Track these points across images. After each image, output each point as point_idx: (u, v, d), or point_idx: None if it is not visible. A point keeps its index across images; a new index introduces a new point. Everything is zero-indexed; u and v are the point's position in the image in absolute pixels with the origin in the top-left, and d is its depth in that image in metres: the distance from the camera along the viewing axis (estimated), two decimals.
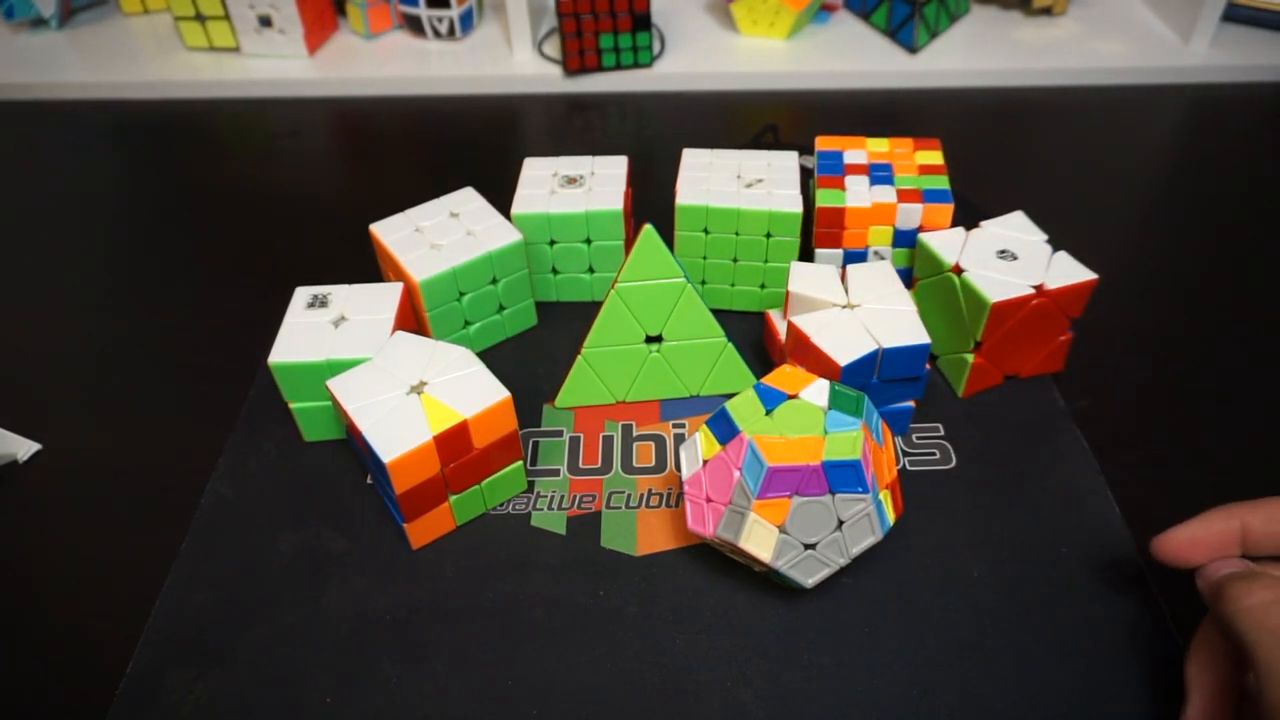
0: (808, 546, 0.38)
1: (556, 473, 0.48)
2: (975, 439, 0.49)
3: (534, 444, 0.49)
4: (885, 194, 0.53)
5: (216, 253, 0.66)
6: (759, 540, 0.38)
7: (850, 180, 0.55)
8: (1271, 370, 0.54)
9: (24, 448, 0.50)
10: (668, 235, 0.49)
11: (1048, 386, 0.52)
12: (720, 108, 0.82)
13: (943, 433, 0.49)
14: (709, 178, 0.54)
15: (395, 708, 0.38)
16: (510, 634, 0.41)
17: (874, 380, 0.46)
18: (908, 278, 0.55)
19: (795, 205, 0.52)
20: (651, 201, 0.65)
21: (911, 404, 0.48)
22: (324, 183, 0.74)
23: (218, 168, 0.75)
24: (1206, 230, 0.66)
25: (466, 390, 0.42)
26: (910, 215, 0.53)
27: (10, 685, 0.40)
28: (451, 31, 0.88)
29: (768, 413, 0.40)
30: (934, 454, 0.48)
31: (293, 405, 0.47)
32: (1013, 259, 0.49)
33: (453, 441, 0.41)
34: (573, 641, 0.40)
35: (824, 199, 0.54)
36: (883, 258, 0.55)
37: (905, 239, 0.54)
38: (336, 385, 0.43)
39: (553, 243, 0.55)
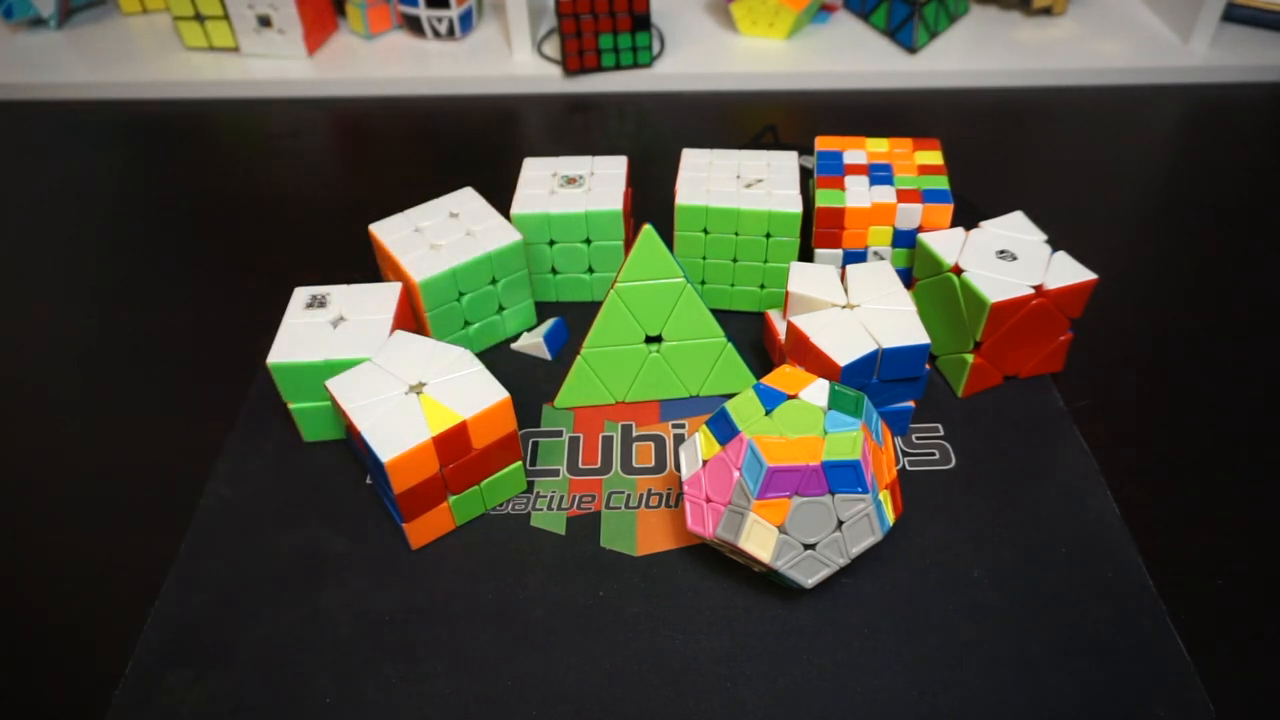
0: (807, 546, 0.38)
1: (556, 473, 0.48)
2: (975, 439, 0.49)
3: (533, 444, 0.49)
4: (885, 194, 0.53)
5: (216, 253, 0.66)
6: (759, 540, 0.38)
7: (850, 180, 0.55)
8: (1271, 370, 0.54)
9: None
10: (667, 235, 0.49)
11: (1048, 386, 0.52)
12: (720, 108, 0.82)
13: (943, 433, 0.49)
14: (709, 178, 0.54)
15: (395, 708, 0.38)
16: (510, 634, 0.41)
17: (874, 380, 0.46)
18: (908, 278, 0.55)
19: (795, 205, 0.52)
20: (651, 201, 0.65)
21: (911, 404, 0.48)
22: (324, 183, 0.74)
23: (217, 168, 0.75)
24: (1206, 230, 0.66)
25: (466, 391, 0.42)
26: (910, 215, 0.53)
27: (10, 685, 0.40)
28: (451, 32, 0.88)
29: (767, 413, 0.40)
30: (934, 454, 0.48)
31: (292, 405, 0.47)
32: (1012, 259, 0.49)
33: (452, 442, 0.41)
34: (573, 641, 0.40)
35: (824, 199, 0.54)
36: (882, 258, 0.55)
37: (905, 239, 0.54)
38: (335, 385, 0.43)
39: (552, 243, 0.55)
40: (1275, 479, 0.48)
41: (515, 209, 0.54)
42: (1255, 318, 0.58)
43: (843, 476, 0.37)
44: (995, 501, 0.46)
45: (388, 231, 0.53)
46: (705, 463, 0.40)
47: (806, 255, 0.56)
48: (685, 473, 0.41)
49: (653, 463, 0.48)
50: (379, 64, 0.86)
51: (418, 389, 0.42)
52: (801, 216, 0.52)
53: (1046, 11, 0.91)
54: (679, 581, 0.43)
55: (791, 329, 0.47)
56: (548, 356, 0.54)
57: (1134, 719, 0.37)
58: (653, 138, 0.78)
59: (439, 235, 0.52)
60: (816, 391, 0.40)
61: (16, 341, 0.59)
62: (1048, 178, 0.72)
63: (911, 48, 0.85)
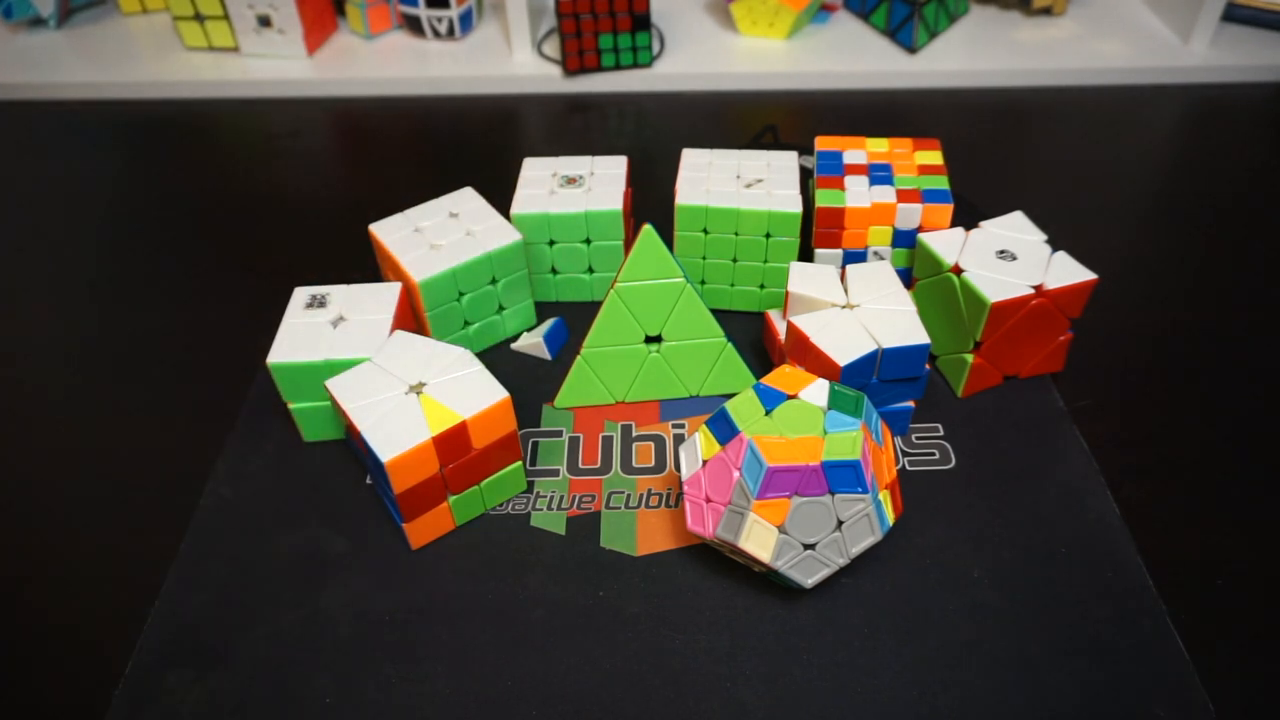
0: (807, 546, 0.38)
1: (556, 473, 0.48)
2: (975, 439, 0.49)
3: (533, 444, 0.49)
4: (885, 194, 0.53)
5: (216, 253, 0.66)
6: (758, 540, 0.38)
7: (850, 180, 0.55)
8: (1271, 370, 0.54)
9: None
10: (667, 235, 0.49)
11: (1048, 386, 0.52)
12: (720, 108, 0.82)
13: (942, 433, 0.49)
14: (709, 178, 0.54)
15: (395, 708, 0.38)
16: (510, 634, 0.41)
17: (874, 380, 0.46)
18: (908, 278, 0.55)
19: (795, 205, 0.52)
20: (651, 201, 0.65)
21: (911, 404, 0.48)
22: (324, 183, 0.74)
23: (218, 168, 0.75)
24: (1206, 230, 0.66)
25: (465, 390, 0.42)
26: (910, 215, 0.53)
27: (10, 685, 0.40)
28: (451, 32, 0.88)
29: (767, 413, 0.40)
30: (934, 454, 0.48)
31: (292, 405, 0.47)
32: (1012, 259, 0.49)
33: (452, 442, 0.41)
34: (573, 641, 0.40)
35: (824, 199, 0.54)
36: (882, 258, 0.55)
37: (905, 239, 0.54)
38: (335, 385, 0.43)
39: (552, 243, 0.55)
40: (1275, 479, 0.48)
41: (515, 209, 0.54)
42: (1255, 318, 0.58)
43: (843, 476, 0.37)
44: (995, 501, 0.46)
45: (388, 231, 0.53)
46: (705, 463, 0.40)
47: (806, 255, 0.56)
48: (685, 473, 0.41)
49: (653, 463, 0.48)
50: (379, 64, 0.85)
51: (418, 389, 0.42)
52: (801, 216, 0.52)
53: (1046, 11, 0.91)
54: (679, 581, 0.43)
55: (791, 329, 0.47)
56: (548, 356, 0.54)
57: (1134, 719, 0.37)
58: (653, 138, 0.78)
59: (439, 235, 0.52)
60: (816, 391, 0.40)
61: (16, 341, 0.59)
62: (1048, 178, 0.72)
63: (911, 48, 0.85)
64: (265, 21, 0.84)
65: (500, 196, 0.56)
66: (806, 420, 0.39)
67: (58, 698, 0.40)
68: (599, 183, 0.55)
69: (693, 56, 0.86)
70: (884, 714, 0.38)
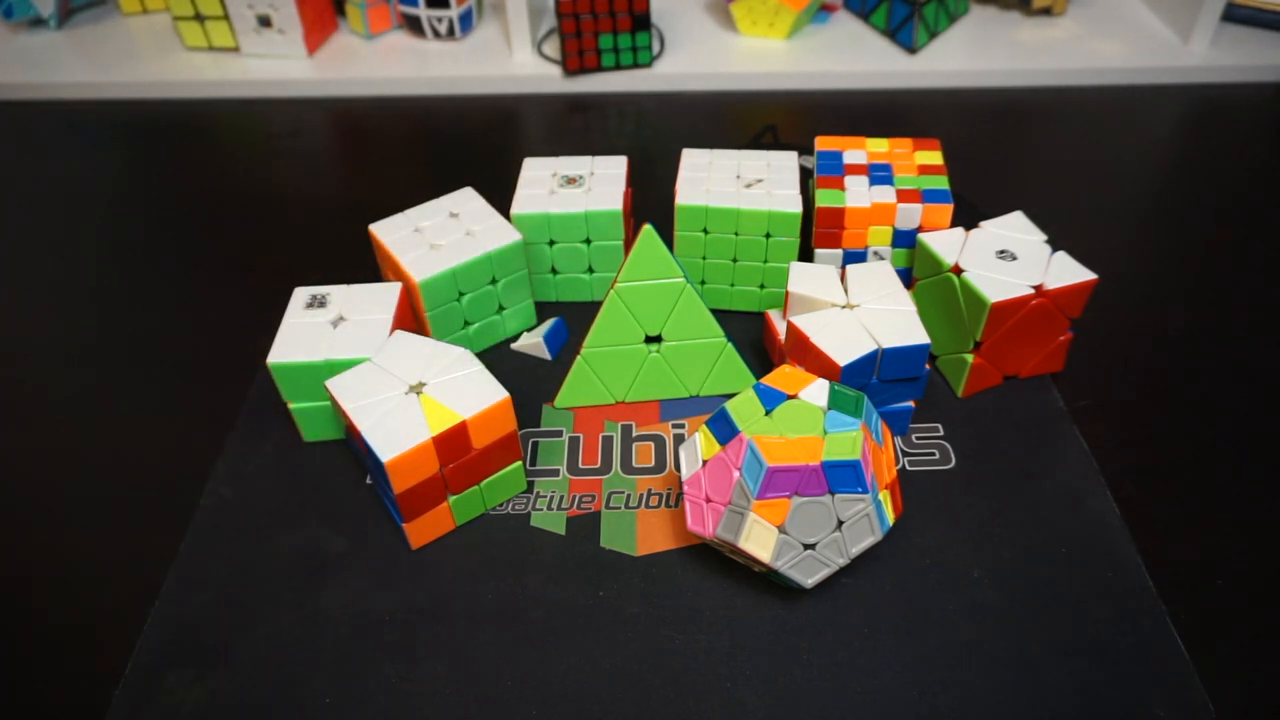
0: (807, 546, 0.38)
1: (556, 473, 0.48)
2: (975, 439, 0.49)
3: (533, 444, 0.49)
4: (885, 194, 0.53)
5: (216, 253, 0.66)
6: (759, 540, 0.38)
7: (850, 180, 0.55)
8: (1271, 370, 0.54)
9: None
10: (667, 235, 0.49)
11: (1048, 386, 0.52)
12: (720, 108, 0.82)
13: (942, 433, 0.49)
14: (709, 178, 0.54)
15: (395, 708, 0.38)
16: (510, 634, 0.41)
17: (874, 380, 0.46)
18: (908, 278, 0.55)
19: (795, 205, 0.52)
20: (651, 201, 0.65)
21: (911, 404, 0.48)
22: (324, 183, 0.74)
23: (217, 168, 0.75)
24: (1206, 230, 0.66)
25: (465, 390, 0.42)
26: (910, 215, 0.53)
27: (10, 685, 0.40)
28: (451, 32, 0.88)
29: (767, 413, 0.40)
30: (934, 454, 0.48)
31: (292, 405, 0.47)
32: (1012, 259, 0.49)
33: (452, 442, 0.41)
34: (573, 642, 0.40)
35: (824, 199, 0.54)
36: (882, 258, 0.55)
37: (905, 239, 0.54)
38: (335, 385, 0.43)
39: (552, 243, 0.55)
40: (1275, 479, 0.48)
41: (515, 209, 0.54)
42: (1255, 318, 0.58)
43: (843, 476, 0.37)
44: (995, 501, 0.46)
45: (388, 231, 0.53)
46: (705, 463, 0.40)
47: (806, 255, 0.56)
48: (685, 473, 0.41)
49: (653, 463, 0.48)
50: (379, 64, 0.85)
51: (418, 389, 0.42)
52: (801, 216, 0.52)
53: (1046, 11, 0.91)
54: (679, 581, 0.43)
55: (791, 329, 0.47)
56: (548, 356, 0.54)
57: (1134, 719, 0.37)
58: (653, 138, 0.78)
59: (439, 235, 0.52)
60: (816, 391, 0.40)
61: (16, 341, 0.59)
62: (1048, 178, 0.72)
63: (911, 48, 0.85)
64: (265, 21, 0.84)
65: (500, 196, 0.56)
66: (806, 420, 0.39)
67: (58, 698, 0.40)
68: (599, 183, 0.55)
69: (693, 56, 0.86)
70: (884, 714, 0.38)
